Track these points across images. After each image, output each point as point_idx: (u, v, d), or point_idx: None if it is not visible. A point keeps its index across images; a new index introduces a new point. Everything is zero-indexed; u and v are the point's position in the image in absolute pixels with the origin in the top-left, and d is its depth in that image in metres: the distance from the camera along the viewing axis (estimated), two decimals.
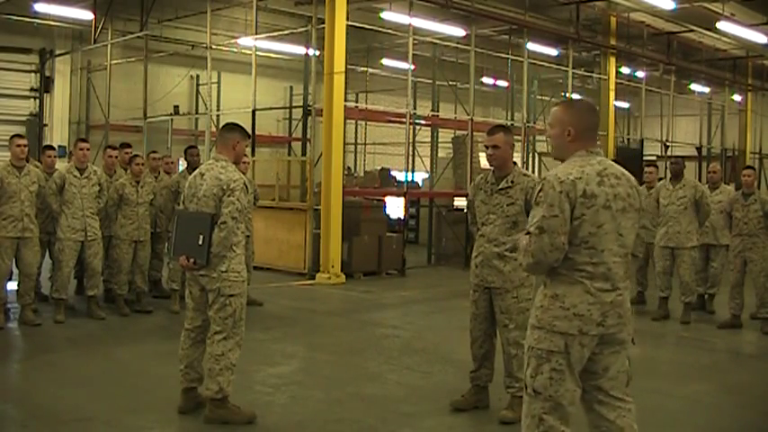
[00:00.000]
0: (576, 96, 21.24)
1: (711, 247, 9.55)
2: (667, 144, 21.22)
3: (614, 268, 3.29)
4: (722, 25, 16.07)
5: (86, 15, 15.90)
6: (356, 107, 15.32)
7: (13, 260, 7.83)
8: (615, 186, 3.32)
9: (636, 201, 3.40)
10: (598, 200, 3.26)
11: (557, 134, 3.47)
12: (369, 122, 19.81)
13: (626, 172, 3.44)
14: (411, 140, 14.89)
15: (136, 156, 8.93)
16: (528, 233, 3.27)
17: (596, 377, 3.36)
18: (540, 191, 3.28)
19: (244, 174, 5.79)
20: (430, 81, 18.23)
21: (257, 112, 13.96)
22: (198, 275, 4.97)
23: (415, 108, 15.89)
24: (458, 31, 16.26)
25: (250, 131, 11.89)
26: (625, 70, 20.93)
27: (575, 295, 3.26)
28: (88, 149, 8.31)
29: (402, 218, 15.32)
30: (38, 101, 17.30)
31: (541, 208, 3.24)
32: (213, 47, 15.70)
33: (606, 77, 18.97)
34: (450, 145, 17.43)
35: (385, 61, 20.34)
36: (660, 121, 21.71)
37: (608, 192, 3.29)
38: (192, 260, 4.93)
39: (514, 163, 5.24)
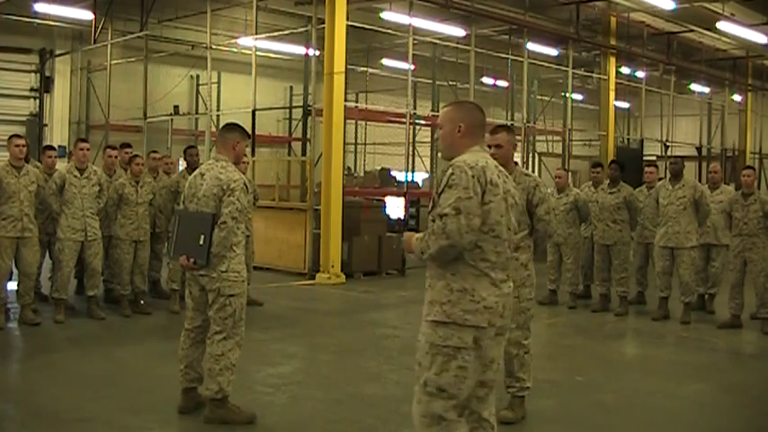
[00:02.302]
0: (576, 96, 21.27)
1: (713, 247, 9.55)
2: (667, 144, 21.23)
3: (508, 259, 3.42)
4: (722, 25, 16.08)
5: (86, 15, 15.90)
6: (356, 107, 15.32)
7: (13, 260, 7.83)
8: (506, 182, 3.46)
9: (517, 199, 3.56)
10: (500, 189, 3.36)
11: (447, 131, 3.51)
12: (369, 122, 19.82)
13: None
14: (411, 140, 14.90)
15: (136, 156, 8.91)
16: (444, 215, 3.23)
17: (484, 370, 3.37)
18: (451, 175, 3.28)
19: (243, 174, 5.79)
20: (430, 81, 18.24)
21: (257, 112, 13.96)
22: (198, 275, 4.97)
23: (415, 108, 15.90)
24: (458, 31, 16.27)
25: (250, 131, 11.89)
26: (625, 70, 20.92)
27: (483, 288, 3.30)
28: (88, 149, 8.30)
29: (402, 218, 15.32)
30: (38, 101, 17.30)
31: (455, 190, 3.24)
32: (213, 47, 15.71)
33: (606, 77, 18.96)
34: None
35: (385, 61, 20.34)
36: (660, 121, 21.71)
37: (504, 185, 3.41)
38: (192, 260, 4.93)
39: (515, 163, 5.24)
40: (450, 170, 3.31)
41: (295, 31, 15.87)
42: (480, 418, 3.45)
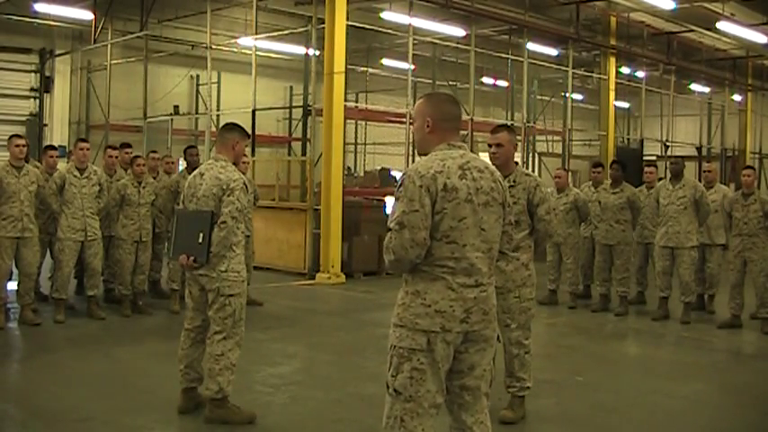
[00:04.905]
0: (576, 96, 21.28)
1: (706, 247, 9.49)
2: (667, 144, 21.23)
3: (477, 263, 3.19)
4: (722, 25, 16.08)
5: (86, 15, 15.90)
6: (356, 107, 15.33)
7: (13, 260, 7.83)
8: (478, 180, 3.23)
9: (499, 195, 3.29)
10: (459, 193, 3.16)
11: (417, 127, 3.38)
12: (369, 122, 19.82)
13: (490, 165, 3.36)
14: (411, 140, 14.88)
15: (137, 157, 8.91)
16: (388, 229, 3.16)
17: (462, 375, 3.26)
18: (400, 185, 3.16)
19: (243, 174, 5.79)
20: (430, 81, 18.24)
21: (257, 112, 13.96)
22: (197, 275, 4.97)
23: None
24: (458, 31, 16.27)
25: (250, 131, 11.90)
26: (625, 70, 20.93)
27: (435, 291, 3.15)
28: (88, 149, 8.31)
29: None
30: (38, 101, 17.31)
31: (402, 203, 3.13)
32: (213, 47, 15.70)
33: (606, 77, 18.96)
34: None
35: (385, 61, 20.35)
36: (660, 121, 21.71)
37: (470, 185, 3.19)
38: (192, 258, 4.92)
39: (516, 163, 5.24)
40: (401, 179, 3.20)
41: (295, 31, 15.88)
42: (465, 426, 3.33)
